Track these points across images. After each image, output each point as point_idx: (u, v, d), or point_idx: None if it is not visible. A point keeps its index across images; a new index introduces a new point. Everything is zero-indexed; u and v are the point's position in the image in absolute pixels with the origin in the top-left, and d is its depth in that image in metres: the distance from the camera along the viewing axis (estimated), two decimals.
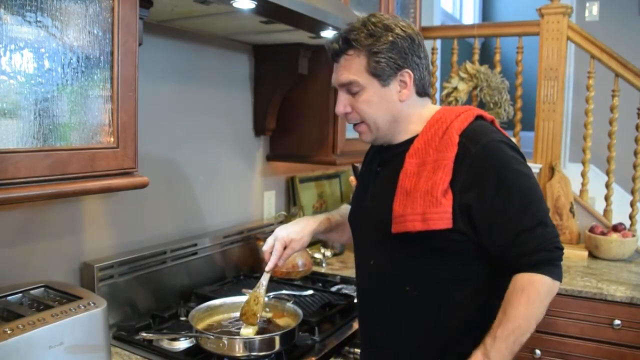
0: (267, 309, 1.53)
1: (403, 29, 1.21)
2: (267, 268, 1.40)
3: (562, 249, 1.15)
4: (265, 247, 1.41)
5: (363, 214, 1.33)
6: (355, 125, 1.29)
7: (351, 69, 1.22)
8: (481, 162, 1.13)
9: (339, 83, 1.25)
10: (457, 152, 1.14)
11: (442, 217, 1.12)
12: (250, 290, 1.45)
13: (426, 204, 1.13)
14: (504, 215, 1.12)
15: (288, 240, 1.40)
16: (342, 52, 1.22)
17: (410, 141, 1.24)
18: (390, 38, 1.19)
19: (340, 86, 1.25)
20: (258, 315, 1.40)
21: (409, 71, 1.21)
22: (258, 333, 1.40)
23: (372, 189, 1.31)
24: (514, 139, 2.89)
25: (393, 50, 1.19)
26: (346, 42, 1.21)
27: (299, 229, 1.42)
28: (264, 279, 1.42)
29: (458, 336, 1.21)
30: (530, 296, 1.11)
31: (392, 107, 1.23)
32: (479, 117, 1.22)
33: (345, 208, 1.56)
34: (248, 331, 1.40)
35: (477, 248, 1.15)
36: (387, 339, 1.29)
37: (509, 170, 1.14)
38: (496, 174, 1.13)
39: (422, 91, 1.26)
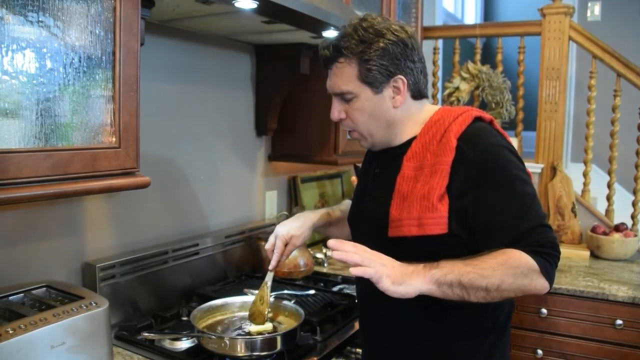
0: (268, 309, 1.53)
1: (395, 33, 1.18)
2: (270, 266, 1.41)
3: (559, 252, 1.11)
4: (267, 245, 1.42)
5: (362, 215, 1.33)
6: (350, 131, 1.28)
7: (343, 77, 1.20)
8: (479, 167, 1.12)
9: (332, 92, 1.25)
10: (454, 156, 1.12)
11: (437, 222, 1.11)
12: (252, 290, 1.46)
13: (422, 208, 1.12)
14: (504, 217, 1.10)
15: (288, 237, 1.40)
16: (334, 60, 1.21)
17: (408, 143, 1.23)
18: (382, 44, 1.16)
19: (334, 94, 1.25)
20: (265, 314, 1.42)
21: (402, 77, 1.19)
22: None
23: (370, 191, 1.31)
24: (515, 139, 2.90)
25: (385, 57, 1.17)
26: (337, 50, 1.19)
27: (299, 225, 1.42)
28: (268, 278, 1.43)
29: (457, 339, 1.21)
30: (509, 260, 1.04)
31: (385, 114, 1.22)
32: (478, 119, 1.20)
33: (347, 204, 1.55)
34: (258, 328, 1.41)
35: (472, 252, 1.11)
36: (387, 339, 1.28)
37: (507, 175, 1.12)
38: (494, 178, 1.11)
39: (418, 94, 1.24)
